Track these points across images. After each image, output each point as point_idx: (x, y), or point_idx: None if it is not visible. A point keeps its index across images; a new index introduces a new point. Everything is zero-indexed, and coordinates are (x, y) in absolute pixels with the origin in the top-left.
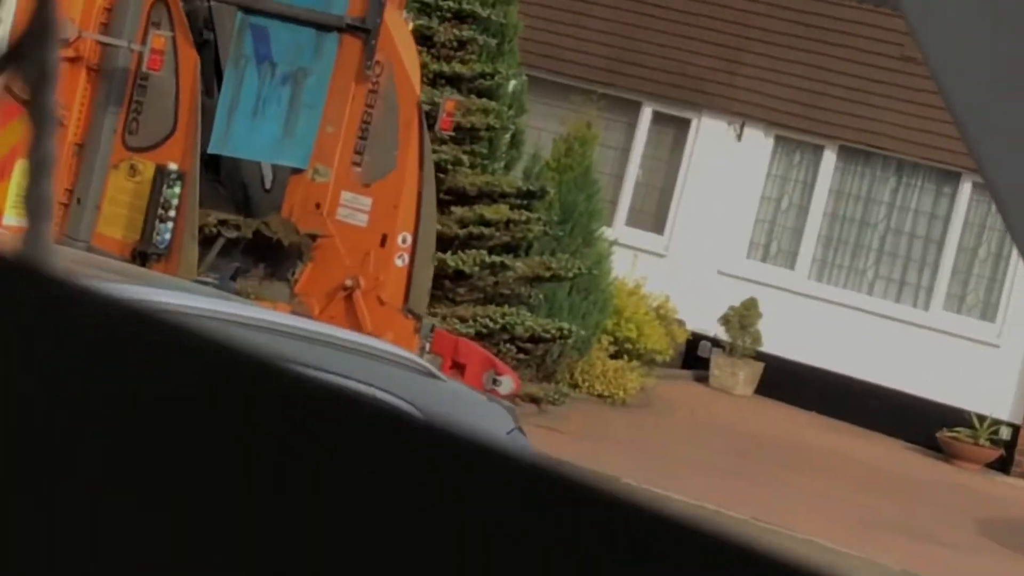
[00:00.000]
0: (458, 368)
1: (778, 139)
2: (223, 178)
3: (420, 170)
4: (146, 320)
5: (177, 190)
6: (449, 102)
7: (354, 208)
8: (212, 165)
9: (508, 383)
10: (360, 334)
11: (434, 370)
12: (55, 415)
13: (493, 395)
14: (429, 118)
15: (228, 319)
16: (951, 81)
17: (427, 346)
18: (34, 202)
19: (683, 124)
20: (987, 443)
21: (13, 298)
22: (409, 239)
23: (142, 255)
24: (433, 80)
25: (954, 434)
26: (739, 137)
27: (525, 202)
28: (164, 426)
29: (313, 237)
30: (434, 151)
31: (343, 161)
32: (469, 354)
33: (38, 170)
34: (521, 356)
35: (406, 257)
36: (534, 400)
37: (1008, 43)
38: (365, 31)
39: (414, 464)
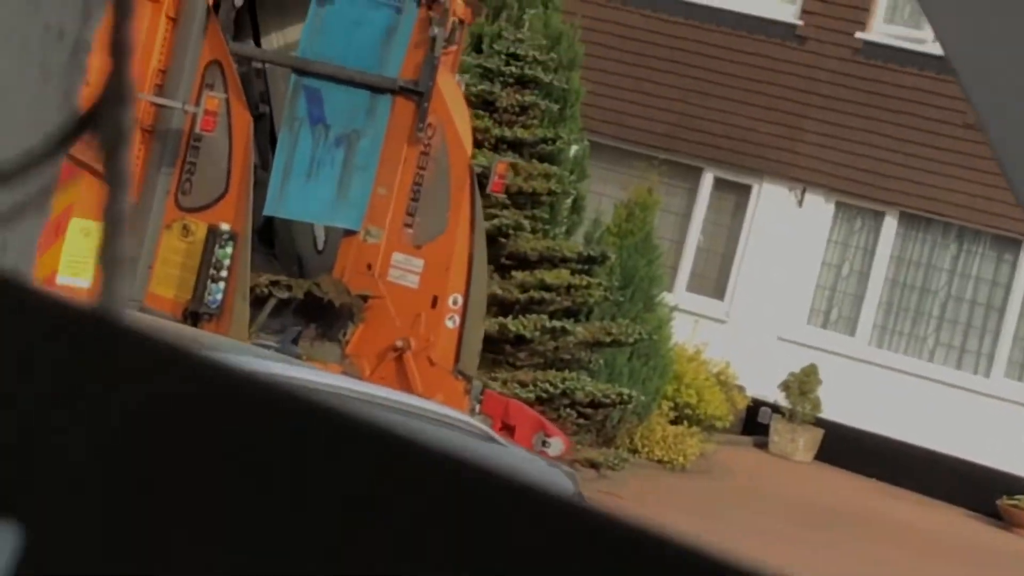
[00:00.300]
0: (508, 429)
1: (839, 205)
2: (276, 240)
3: (471, 232)
4: (221, 376)
5: (229, 250)
6: (501, 164)
7: (405, 269)
8: (265, 230)
9: (558, 444)
10: (422, 399)
11: (494, 434)
12: (130, 464)
13: (548, 458)
14: (481, 180)
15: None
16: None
17: (477, 407)
18: (109, 259)
19: (744, 190)
20: None
21: (88, 349)
22: (460, 300)
23: (194, 315)
24: (495, 145)
25: (1015, 502)
26: (800, 203)
27: (586, 267)
28: (245, 479)
29: (364, 298)
30: (495, 216)
31: (395, 222)
32: (519, 415)
33: (113, 229)
34: (581, 421)
35: (457, 319)
36: (594, 465)
37: None
38: (418, 93)
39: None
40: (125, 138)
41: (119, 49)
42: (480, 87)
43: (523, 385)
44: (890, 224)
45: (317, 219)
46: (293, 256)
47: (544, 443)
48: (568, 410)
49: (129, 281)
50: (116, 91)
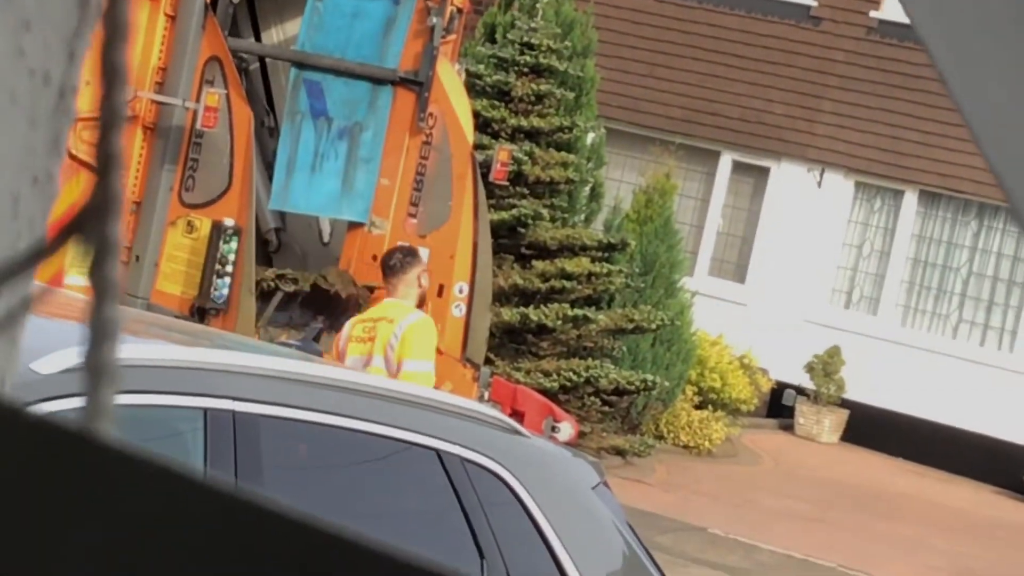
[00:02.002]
0: (516, 415)
1: (858, 185)
2: (280, 234)
3: (475, 220)
4: (214, 501)
5: (234, 245)
6: (503, 151)
7: None
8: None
9: (567, 430)
10: (444, 393)
11: (519, 427)
12: None
13: (573, 447)
14: (484, 167)
15: (315, 382)
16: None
17: (486, 394)
18: (94, 368)
19: (762, 172)
20: None
21: (68, 473)
22: (466, 289)
23: (200, 311)
24: (512, 134)
25: None
26: (819, 184)
27: (606, 254)
28: None
29: (371, 289)
30: (513, 205)
31: (399, 213)
32: (527, 401)
33: (98, 337)
34: (605, 408)
35: (463, 307)
36: (619, 452)
37: None
38: (418, 84)
39: None
40: (112, 249)
41: (109, 122)
42: (495, 77)
43: (546, 374)
44: (910, 202)
45: (323, 212)
46: (298, 249)
47: (553, 428)
48: (592, 398)
49: (116, 389)
50: (102, 203)
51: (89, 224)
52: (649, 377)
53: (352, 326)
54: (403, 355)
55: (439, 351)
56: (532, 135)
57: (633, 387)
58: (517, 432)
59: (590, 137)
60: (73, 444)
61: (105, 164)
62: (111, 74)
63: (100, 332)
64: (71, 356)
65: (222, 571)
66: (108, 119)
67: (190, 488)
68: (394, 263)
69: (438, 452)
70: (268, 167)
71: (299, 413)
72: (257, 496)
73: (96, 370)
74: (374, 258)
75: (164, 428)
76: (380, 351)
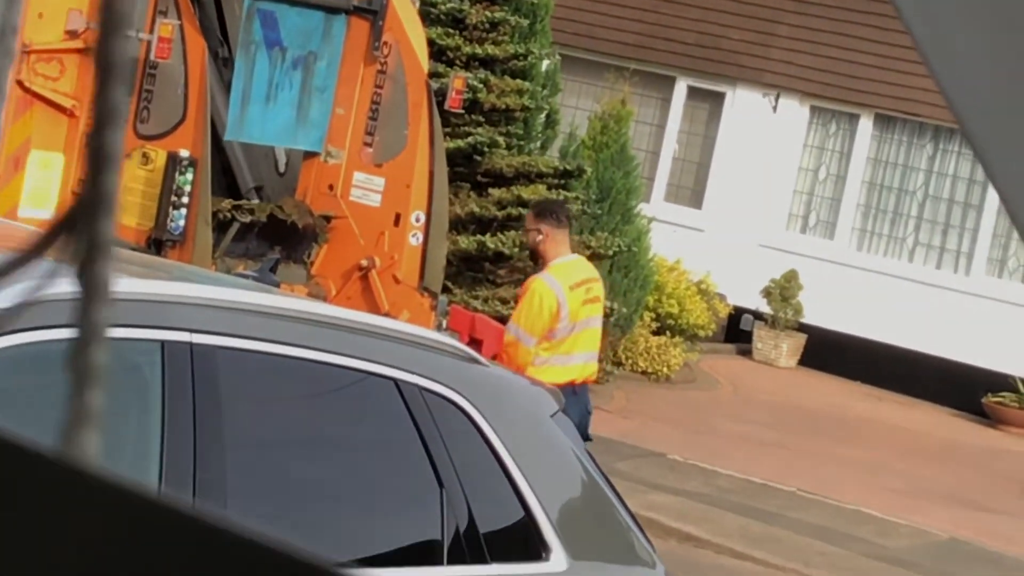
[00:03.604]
0: (475, 343)
1: (813, 109)
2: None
3: (431, 148)
4: (198, 535)
5: (189, 176)
6: (458, 79)
7: (367, 188)
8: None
9: None
10: (402, 323)
11: (477, 356)
12: None
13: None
14: (439, 96)
15: (272, 312)
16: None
17: (444, 323)
18: (82, 370)
19: (718, 98)
20: None
21: (46, 498)
22: (423, 217)
23: (157, 242)
24: (466, 62)
25: (999, 399)
26: (774, 109)
27: (562, 182)
28: None
29: (327, 219)
30: (469, 133)
31: (355, 142)
32: (485, 329)
33: (85, 338)
34: None
35: (420, 235)
36: None
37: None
38: (372, 12)
39: None
40: (104, 248)
41: (105, 119)
42: (449, 5)
43: (504, 302)
44: (865, 126)
45: (278, 142)
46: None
47: None
48: None
49: (103, 393)
50: (94, 201)
51: (81, 222)
52: (607, 303)
53: (569, 290)
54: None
55: (396, 280)
56: (487, 63)
57: None
58: (475, 360)
59: (545, 64)
60: (29, 462)
61: (99, 161)
62: (106, 69)
63: (89, 333)
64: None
65: None
66: (104, 115)
67: (144, 507)
68: (568, 213)
69: (396, 381)
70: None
71: (257, 344)
72: (216, 519)
73: (83, 372)
74: (330, 188)
75: (121, 361)
76: (601, 312)
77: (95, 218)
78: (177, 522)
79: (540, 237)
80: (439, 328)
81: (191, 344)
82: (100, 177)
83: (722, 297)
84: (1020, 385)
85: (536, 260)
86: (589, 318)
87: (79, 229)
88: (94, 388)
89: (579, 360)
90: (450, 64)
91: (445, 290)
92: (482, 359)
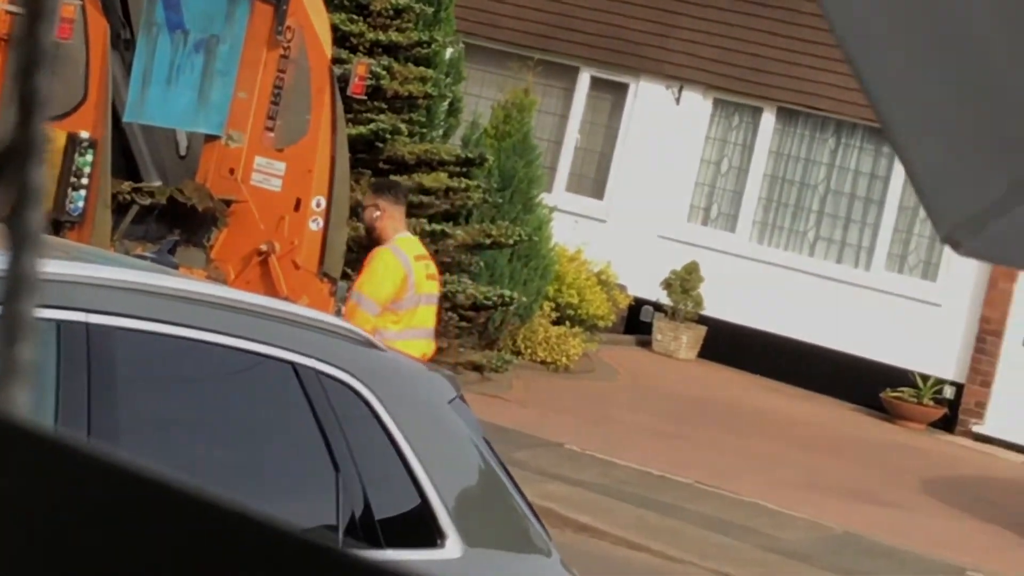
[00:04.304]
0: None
1: (716, 102)
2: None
3: (333, 134)
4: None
5: (89, 158)
6: (360, 65)
7: (268, 173)
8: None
9: None
10: (300, 306)
11: (374, 340)
12: None
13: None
14: (342, 82)
15: (170, 294)
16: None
17: (342, 308)
18: (11, 323)
19: (621, 89)
20: (931, 402)
21: None
22: (323, 203)
23: (56, 223)
24: (370, 49)
25: (898, 394)
26: (678, 101)
27: (464, 170)
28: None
29: (228, 203)
30: (371, 120)
31: (256, 127)
32: None
33: (15, 290)
34: (463, 324)
35: (320, 221)
36: (477, 368)
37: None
38: None
39: None
40: (35, 196)
41: (32, 61)
42: None
43: None
44: (768, 119)
45: (178, 125)
46: (154, 163)
47: None
48: (450, 313)
49: (35, 347)
50: (23, 146)
51: (10, 169)
52: (507, 293)
53: (415, 260)
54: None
55: (296, 265)
56: (390, 50)
57: (491, 302)
58: (373, 345)
59: (449, 52)
60: None
61: (28, 107)
62: (34, 13)
63: (19, 284)
64: None
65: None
66: (32, 59)
67: (76, 458)
68: (406, 191)
69: (293, 365)
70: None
71: (154, 326)
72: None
73: (13, 324)
74: (231, 171)
75: None
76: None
77: (24, 165)
78: (109, 472)
79: (377, 213)
80: (338, 313)
81: (87, 324)
82: (29, 123)
83: (622, 288)
84: (918, 380)
85: (372, 237)
86: (431, 294)
87: (8, 177)
88: (25, 341)
89: (424, 335)
90: (353, 50)
91: (345, 276)
92: (380, 344)
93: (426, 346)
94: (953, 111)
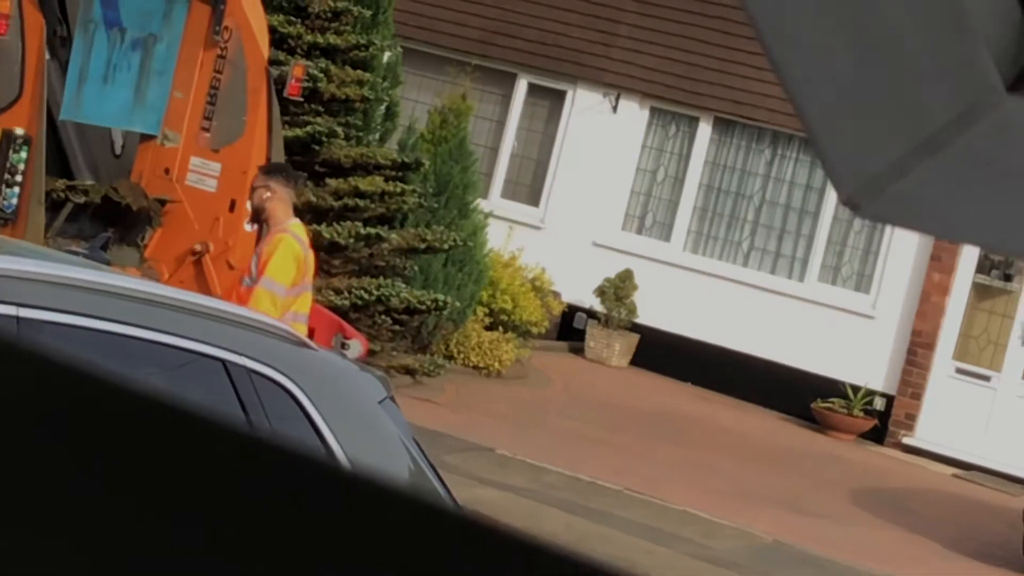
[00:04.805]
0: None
1: (653, 111)
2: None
3: (269, 135)
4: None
5: (24, 155)
6: (297, 67)
7: (203, 173)
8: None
9: (356, 347)
10: (231, 304)
11: (306, 339)
12: None
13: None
14: (278, 83)
15: (102, 289)
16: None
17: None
18: None
19: (559, 96)
20: (861, 414)
21: None
22: None
23: None
24: (307, 51)
25: (828, 405)
26: (614, 109)
27: (400, 174)
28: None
29: (162, 202)
30: (308, 123)
31: (192, 127)
32: (318, 318)
33: None
34: (396, 328)
35: None
36: (409, 371)
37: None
38: None
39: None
40: None
41: None
42: None
43: (337, 292)
44: (704, 129)
45: (114, 123)
46: (89, 159)
47: (343, 345)
48: (383, 317)
49: None
50: None
51: None
52: (440, 297)
53: (307, 247)
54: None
55: (230, 266)
56: (328, 52)
57: (424, 307)
58: (304, 344)
59: (386, 56)
60: None
61: None
62: None
63: None
64: None
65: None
66: None
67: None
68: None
69: (224, 362)
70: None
71: (85, 321)
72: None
73: None
74: (166, 171)
75: None
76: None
77: None
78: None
79: (268, 195)
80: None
81: (18, 318)
82: None
83: (556, 295)
84: (849, 391)
85: (259, 219)
86: (311, 281)
87: None
88: None
89: (304, 320)
90: (291, 52)
91: None
92: (311, 343)
93: (303, 331)
94: (852, 71)
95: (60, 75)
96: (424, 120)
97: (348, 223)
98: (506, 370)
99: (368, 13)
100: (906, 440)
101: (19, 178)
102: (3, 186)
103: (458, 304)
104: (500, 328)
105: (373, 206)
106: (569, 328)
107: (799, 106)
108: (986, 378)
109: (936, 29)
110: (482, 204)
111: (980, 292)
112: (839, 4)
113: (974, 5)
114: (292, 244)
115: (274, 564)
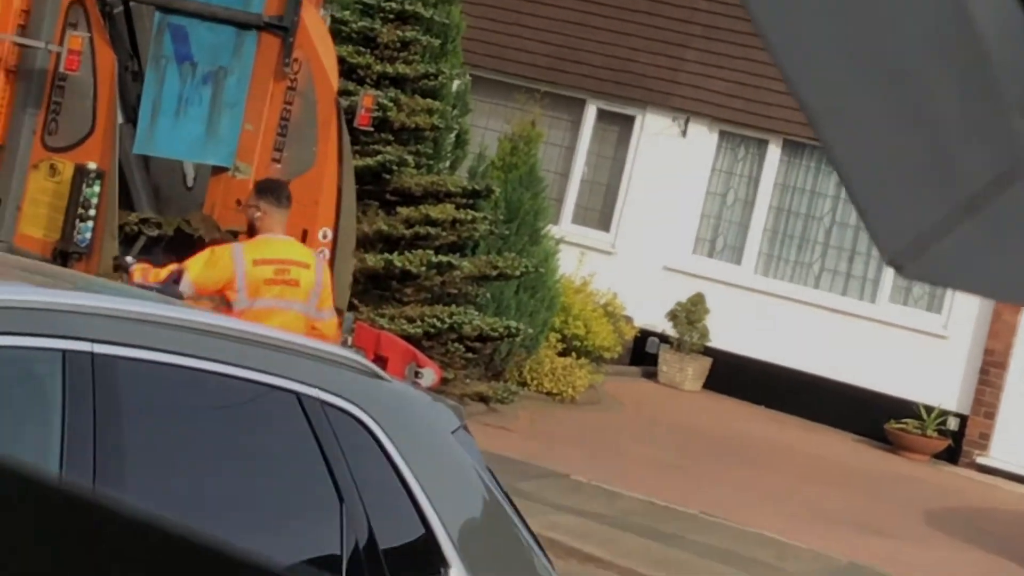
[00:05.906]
0: (380, 360)
1: (722, 134)
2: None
3: (339, 165)
4: None
5: (97, 189)
6: (367, 97)
7: None
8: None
9: (430, 375)
10: (304, 337)
11: (378, 370)
12: None
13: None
14: (349, 113)
15: (174, 324)
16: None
17: (349, 340)
18: None
19: (628, 121)
20: (935, 434)
21: None
22: (330, 234)
23: (63, 254)
24: (377, 81)
25: (902, 425)
26: (684, 133)
27: (471, 201)
28: None
29: (235, 234)
30: (379, 152)
31: (263, 158)
32: (391, 347)
33: None
34: (469, 355)
35: (327, 252)
36: (483, 399)
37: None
38: (283, 29)
39: None
40: None
41: None
42: (361, 23)
43: (410, 321)
44: (773, 151)
45: (187, 157)
46: (148, 193)
47: (417, 374)
48: (456, 344)
49: None
50: None
51: None
52: (513, 324)
53: (252, 264)
54: (327, 304)
55: None
56: (397, 82)
57: (497, 334)
58: (377, 376)
59: (456, 84)
60: None
61: None
62: None
63: None
64: None
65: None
66: None
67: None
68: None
69: (298, 395)
70: (132, 112)
71: (159, 356)
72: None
73: None
74: (238, 203)
75: (21, 369)
76: (304, 298)
77: None
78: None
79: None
80: (344, 344)
81: (92, 354)
82: None
83: (628, 319)
84: (922, 412)
85: (252, 237)
86: (278, 299)
87: None
88: None
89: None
90: (360, 82)
91: (351, 307)
92: (384, 374)
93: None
94: (893, 139)
95: (123, 110)
96: (494, 147)
97: (420, 251)
98: (579, 396)
99: (437, 42)
100: (980, 460)
101: (92, 212)
102: (76, 220)
103: (531, 331)
104: (573, 354)
105: (444, 234)
106: (642, 353)
107: (843, 173)
108: None
109: (971, 97)
110: (553, 230)
111: None
112: (879, 77)
113: (1006, 74)
114: (220, 250)
115: None
